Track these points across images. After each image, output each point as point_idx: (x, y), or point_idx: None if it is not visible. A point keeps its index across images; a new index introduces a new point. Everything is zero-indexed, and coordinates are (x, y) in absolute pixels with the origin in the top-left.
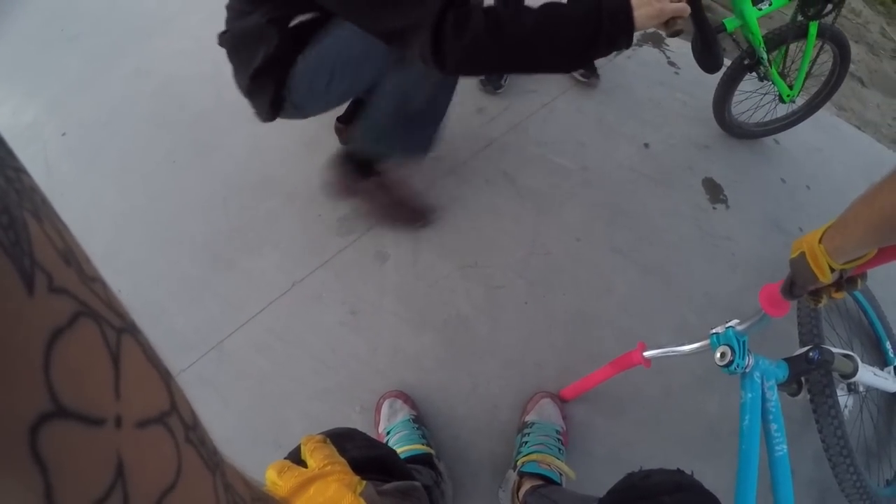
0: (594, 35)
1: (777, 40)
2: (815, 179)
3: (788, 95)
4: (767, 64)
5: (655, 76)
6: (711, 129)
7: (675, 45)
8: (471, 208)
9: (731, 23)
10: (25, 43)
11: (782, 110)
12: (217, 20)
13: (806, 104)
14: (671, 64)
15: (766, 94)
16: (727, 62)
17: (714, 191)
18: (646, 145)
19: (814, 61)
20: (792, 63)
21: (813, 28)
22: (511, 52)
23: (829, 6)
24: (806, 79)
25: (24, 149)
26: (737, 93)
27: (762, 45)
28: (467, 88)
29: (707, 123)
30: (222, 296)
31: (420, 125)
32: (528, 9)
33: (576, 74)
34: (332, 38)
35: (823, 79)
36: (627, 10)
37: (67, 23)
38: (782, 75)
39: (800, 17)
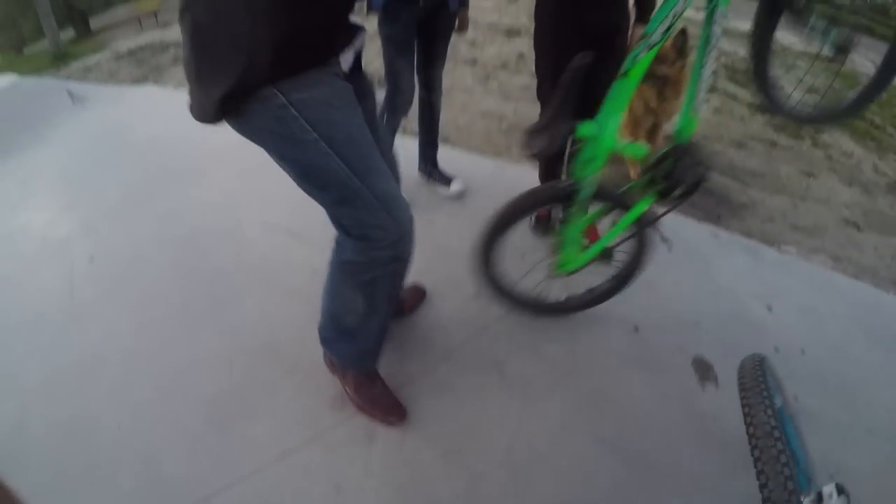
0: None
1: None
2: (811, 342)
3: None
4: None
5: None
6: (702, 306)
7: (667, 221)
8: (459, 396)
9: None
10: (71, 158)
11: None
12: (245, 178)
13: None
14: (664, 240)
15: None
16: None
17: (704, 370)
18: (636, 328)
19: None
20: None
21: None
22: None
23: None
24: None
25: (52, 263)
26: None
27: None
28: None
29: (697, 301)
30: (215, 453)
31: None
32: None
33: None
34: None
35: None
36: None
37: (113, 150)
38: None
39: None
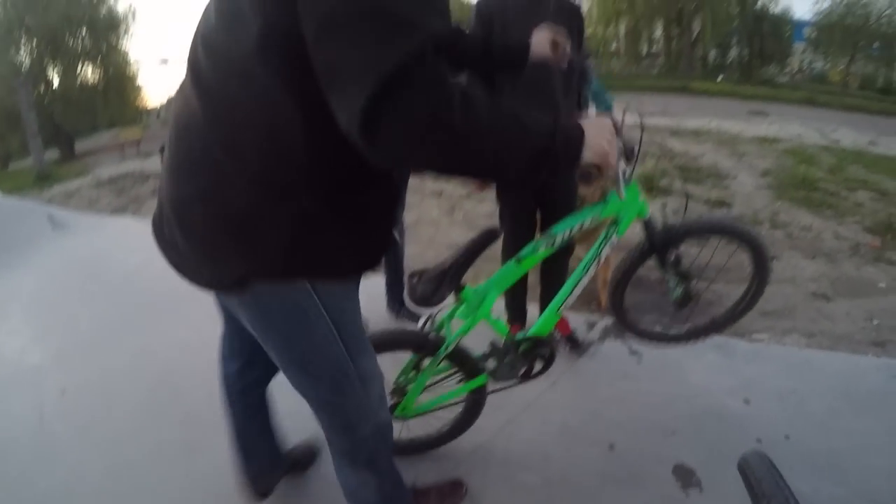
0: (544, 151)
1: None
2: (794, 426)
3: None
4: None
5: (618, 369)
6: (677, 411)
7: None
8: None
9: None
10: (48, 284)
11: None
12: (219, 318)
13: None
14: (633, 353)
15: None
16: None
17: (686, 476)
18: (611, 447)
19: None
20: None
21: None
22: (464, 141)
23: None
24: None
25: (23, 392)
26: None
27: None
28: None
29: (672, 407)
30: None
31: None
32: (489, 99)
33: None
34: None
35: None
36: (580, 139)
37: (90, 280)
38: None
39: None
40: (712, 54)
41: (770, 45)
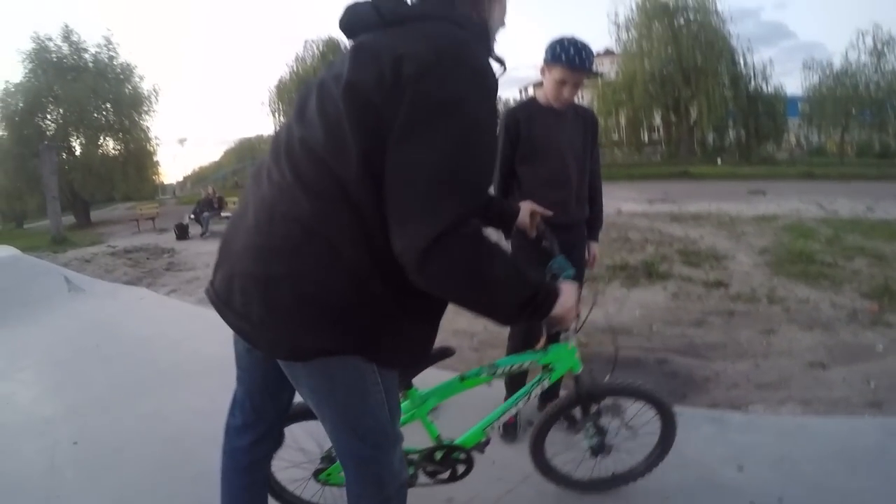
0: (529, 301)
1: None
2: (788, 489)
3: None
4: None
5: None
6: (670, 480)
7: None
8: None
9: None
10: (62, 343)
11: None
12: (231, 389)
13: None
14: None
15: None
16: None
17: None
18: None
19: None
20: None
21: None
22: (482, 284)
23: None
24: None
25: (35, 439)
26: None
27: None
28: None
29: (665, 476)
30: None
31: None
32: (502, 252)
33: None
34: None
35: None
36: (555, 297)
37: (104, 343)
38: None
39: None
40: (711, 138)
41: (765, 123)
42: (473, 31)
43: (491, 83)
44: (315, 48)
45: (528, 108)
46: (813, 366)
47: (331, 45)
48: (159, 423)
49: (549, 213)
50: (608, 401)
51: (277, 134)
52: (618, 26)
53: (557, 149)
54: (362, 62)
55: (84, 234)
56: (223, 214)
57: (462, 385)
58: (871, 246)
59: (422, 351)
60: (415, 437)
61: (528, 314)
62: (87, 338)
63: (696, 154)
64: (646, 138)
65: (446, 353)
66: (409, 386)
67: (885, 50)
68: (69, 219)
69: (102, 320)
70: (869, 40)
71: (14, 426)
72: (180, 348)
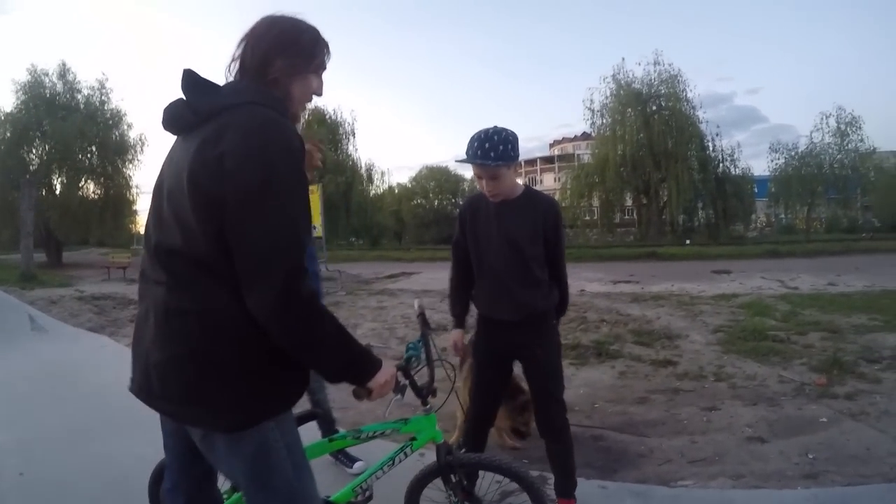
0: (348, 366)
1: None
2: None
3: None
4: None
5: None
6: None
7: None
8: None
9: None
10: (19, 379)
11: None
12: None
13: None
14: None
15: None
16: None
17: None
18: None
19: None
20: None
21: None
22: (312, 334)
23: None
24: None
25: None
26: None
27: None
28: None
29: None
30: None
31: None
32: (332, 317)
33: None
34: None
35: None
36: (372, 372)
37: (60, 385)
38: None
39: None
40: (680, 219)
41: (734, 204)
42: (277, 108)
43: (297, 150)
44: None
45: (474, 203)
46: (751, 440)
47: (317, 113)
48: (105, 465)
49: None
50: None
51: (146, 238)
52: (592, 112)
53: (488, 241)
54: (197, 161)
55: (54, 275)
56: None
57: (330, 446)
58: (827, 320)
59: (297, 391)
60: None
61: (349, 376)
62: (45, 379)
63: (667, 235)
64: (618, 220)
65: (313, 415)
66: None
67: (849, 130)
68: (41, 256)
69: (62, 362)
70: (832, 122)
71: None
72: (132, 398)
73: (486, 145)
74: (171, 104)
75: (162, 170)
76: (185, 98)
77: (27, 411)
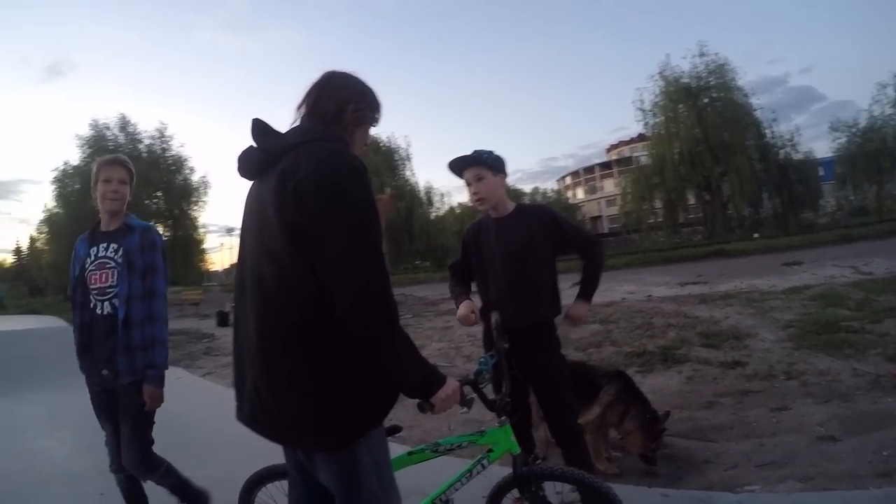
0: (418, 381)
1: None
2: None
3: None
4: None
5: None
6: None
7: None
8: None
9: None
10: None
11: None
12: (249, 464)
13: None
14: None
15: None
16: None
17: None
18: None
19: None
20: None
21: None
22: (388, 334)
23: None
24: None
25: (64, 489)
26: None
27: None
28: None
29: None
30: None
31: None
32: (406, 335)
33: None
34: None
35: None
36: (437, 387)
37: None
38: None
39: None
40: (746, 212)
41: (799, 191)
42: (339, 144)
43: (363, 172)
44: None
45: (475, 227)
46: (822, 439)
47: (371, 143)
48: None
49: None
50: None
51: (238, 274)
52: (644, 112)
53: (492, 258)
54: (279, 192)
55: None
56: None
57: (410, 459)
58: None
59: (384, 409)
60: None
61: (419, 389)
62: None
63: (734, 230)
64: (682, 219)
65: (396, 430)
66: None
67: None
68: None
69: None
70: (890, 91)
71: (48, 475)
72: (207, 424)
73: (472, 152)
74: (244, 151)
75: (245, 214)
76: (255, 144)
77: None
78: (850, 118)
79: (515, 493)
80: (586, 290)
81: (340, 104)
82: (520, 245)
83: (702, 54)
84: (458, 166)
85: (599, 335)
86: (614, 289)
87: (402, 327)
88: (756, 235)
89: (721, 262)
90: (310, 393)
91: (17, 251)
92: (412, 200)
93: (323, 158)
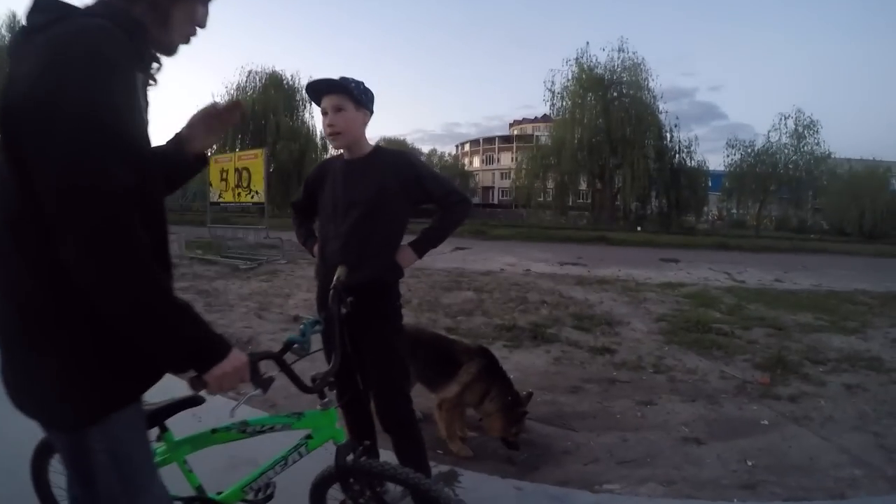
0: (179, 350)
1: None
2: None
3: None
4: None
5: None
6: None
7: (467, 479)
8: None
9: None
10: None
11: None
12: None
13: None
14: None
15: None
16: None
17: None
18: None
19: None
20: None
21: None
22: (120, 290)
23: None
24: None
25: None
26: None
27: None
28: None
29: None
30: None
31: None
32: (158, 281)
33: None
34: None
35: None
36: (213, 359)
37: None
38: None
39: None
40: (633, 206)
41: (687, 195)
42: (120, 21)
43: (106, 59)
44: (258, 79)
45: (323, 167)
46: (686, 441)
47: (274, 78)
48: None
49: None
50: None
51: None
52: (553, 94)
53: (334, 206)
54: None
55: None
56: None
57: (214, 438)
58: (773, 316)
59: (130, 389)
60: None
61: (181, 363)
62: None
63: (619, 221)
64: (571, 203)
65: (196, 401)
66: (164, 429)
67: (806, 133)
68: None
69: None
70: (791, 123)
71: None
72: None
73: (339, 78)
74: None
75: None
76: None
77: None
78: (748, 139)
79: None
80: (424, 242)
81: None
82: (369, 194)
83: (620, 50)
84: (317, 91)
85: (472, 303)
86: (494, 258)
87: (156, 273)
88: (639, 229)
89: (602, 249)
90: (30, 347)
91: None
92: (306, 144)
93: (58, 39)
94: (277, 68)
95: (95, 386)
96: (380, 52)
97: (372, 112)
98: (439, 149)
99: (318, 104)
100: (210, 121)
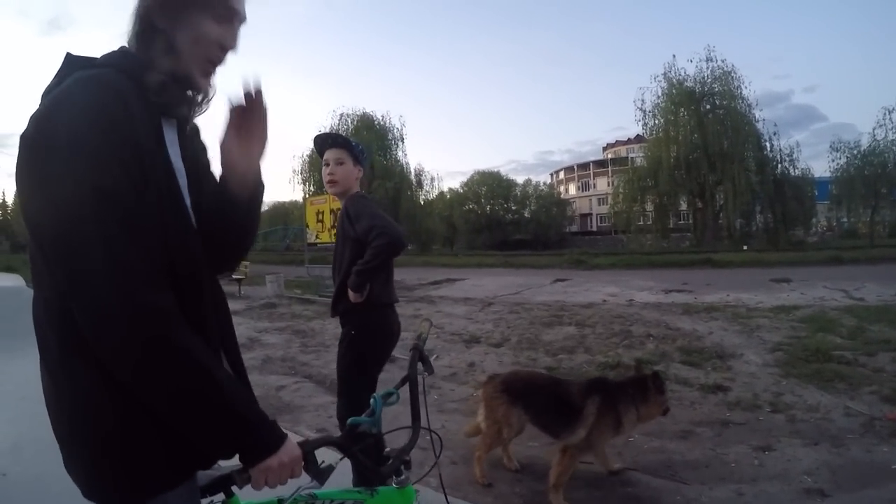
0: (224, 437)
1: None
2: None
3: None
4: None
5: None
6: None
7: None
8: None
9: None
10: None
11: None
12: None
13: None
14: None
15: None
16: None
17: None
18: None
19: None
20: None
21: None
22: (159, 380)
23: None
24: None
25: None
26: None
27: None
28: None
29: None
30: None
31: None
32: (201, 353)
33: None
34: None
35: None
36: (263, 452)
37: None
38: None
39: None
40: (737, 223)
41: (793, 208)
42: (124, 67)
43: (98, 107)
44: (349, 122)
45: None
46: (809, 493)
47: (365, 119)
48: None
49: None
50: None
51: None
52: (644, 113)
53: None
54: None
55: None
56: (234, 276)
57: None
58: None
59: (188, 456)
60: None
61: (226, 451)
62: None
63: (723, 240)
64: (672, 224)
65: (229, 481)
66: (230, 494)
67: None
68: None
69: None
70: (895, 117)
71: None
72: None
73: (345, 137)
74: None
75: None
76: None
77: (32, 415)
78: (852, 140)
79: None
80: (353, 276)
81: (145, 8)
82: (341, 231)
83: (709, 59)
84: (324, 143)
85: (573, 340)
86: (596, 289)
87: (196, 359)
88: (745, 248)
89: (708, 272)
90: (74, 425)
91: (3, 206)
92: (401, 182)
93: (53, 97)
94: (368, 109)
95: (144, 463)
96: (468, 83)
97: (363, 169)
98: (534, 178)
99: (321, 154)
100: (237, 122)
